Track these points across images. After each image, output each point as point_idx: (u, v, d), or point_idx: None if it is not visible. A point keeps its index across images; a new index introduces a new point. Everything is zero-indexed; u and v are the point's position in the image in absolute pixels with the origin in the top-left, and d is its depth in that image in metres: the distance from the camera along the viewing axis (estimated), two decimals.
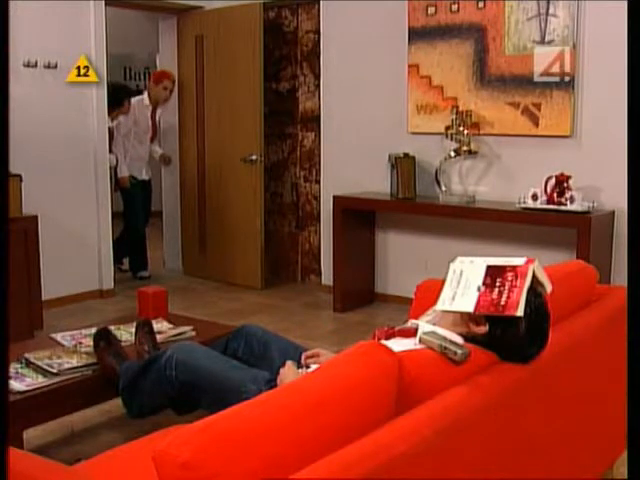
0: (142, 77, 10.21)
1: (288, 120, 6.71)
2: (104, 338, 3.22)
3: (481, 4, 5.28)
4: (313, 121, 6.48)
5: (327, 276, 6.28)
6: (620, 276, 4.86)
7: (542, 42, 5.08)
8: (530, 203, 4.91)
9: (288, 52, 6.63)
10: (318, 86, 6.34)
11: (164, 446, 1.49)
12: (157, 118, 6.87)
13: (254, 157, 6.32)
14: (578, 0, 4.91)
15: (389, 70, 5.79)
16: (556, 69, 5.04)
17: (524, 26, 5.13)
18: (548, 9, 5.03)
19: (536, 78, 5.12)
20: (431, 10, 5.51)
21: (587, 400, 2.68)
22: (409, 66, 5.65)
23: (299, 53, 6.57)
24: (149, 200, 7.02)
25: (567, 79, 5.00)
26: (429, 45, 5.54)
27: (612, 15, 4.78)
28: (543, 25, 5.07)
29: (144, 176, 6.80)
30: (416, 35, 5.59)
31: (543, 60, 5.08)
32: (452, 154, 5.38)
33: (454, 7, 5.40)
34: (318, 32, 6.26)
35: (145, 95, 6.79)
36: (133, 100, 6.68)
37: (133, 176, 6.67)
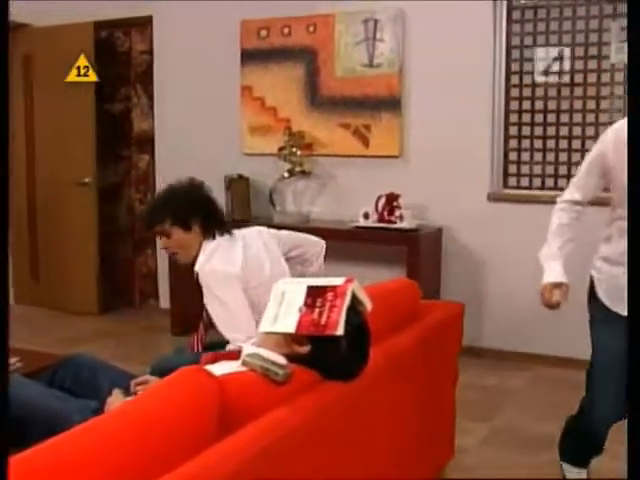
0: None
1: (122, 142, 6.60)
2: None
3: (312, 28, 5.39)
4: (147, 143, 6.39)
5: (165, 299, 6.18)
6: (449, 291, 5.05)
7: (370, 65, 5.24)
8: (362, 222, 5.04)
9: (121, 73, 6.52)
10: (152, 107, 6.27)
11: None
12: None
13: (87, 180, 6.17)
14: (403, 26, 5.10)
15: (223, 91, 5.80)
16: (384, 92, 5.21)
17: (353, 50, 5.28)
18: (375, 34, 5.20)
19: (365, 100, 5.27)
20: (263, 33, 5.58)
21: (412, 412, 2.76)
22: (242, 87, 5.69)
23: (132, 74, 6.48)
24: None
25: (394, 101, 5.18)
26: (262, 67, 5.60)
27: (434, 40, 5.01)
28: (371, 49, 5.24)
29: None
30: (249, 57, 5.64)
31: (372, 83, 5.24)
32: (286, 174, 5.45)
33: (285, 30, 5.49)
34: (152, 53, 6.19)
35: None
36: None
37: None
